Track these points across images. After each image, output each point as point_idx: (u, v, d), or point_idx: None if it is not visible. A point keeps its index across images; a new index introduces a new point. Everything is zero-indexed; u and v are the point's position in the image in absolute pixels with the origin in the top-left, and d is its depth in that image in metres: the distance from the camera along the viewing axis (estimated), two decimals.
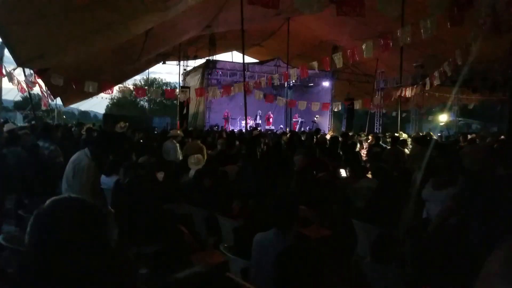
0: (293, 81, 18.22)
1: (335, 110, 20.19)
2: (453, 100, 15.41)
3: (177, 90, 19.23)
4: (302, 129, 18.54)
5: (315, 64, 12.23)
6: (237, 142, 8.22)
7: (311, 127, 17.09)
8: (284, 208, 2.47)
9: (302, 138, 9.51)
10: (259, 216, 2.91)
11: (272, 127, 18.63)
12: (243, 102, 9.32)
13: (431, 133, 11.83)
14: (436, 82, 10.27)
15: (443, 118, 18.37)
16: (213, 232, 3.84)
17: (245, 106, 8.63)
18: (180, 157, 6.82)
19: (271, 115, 19.43)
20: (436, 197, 3.06)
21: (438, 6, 5.71)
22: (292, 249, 2.13)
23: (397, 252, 3.04)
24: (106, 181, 4.52)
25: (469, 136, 9.19)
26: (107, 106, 39.61)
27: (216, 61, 18.39)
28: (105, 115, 24.64)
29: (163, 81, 40.42)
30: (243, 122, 13.05)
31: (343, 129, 20.02)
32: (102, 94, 16.97)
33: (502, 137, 8.06)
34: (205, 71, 17.71)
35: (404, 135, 9.29)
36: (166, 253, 2.68)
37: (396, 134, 9.19)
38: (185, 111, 17.59)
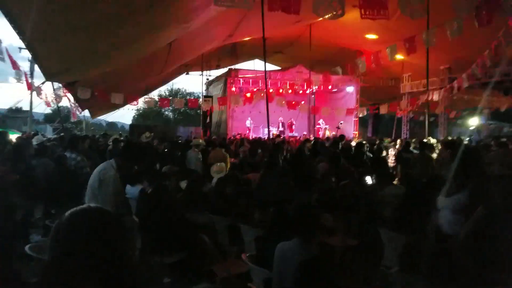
0: (316, 87, 18.08)
1: (360, 115, 19.82)
2: (483, 103, 14.82)
3: (200, 99, 19.52)
4: (327, 135, 18.32)
5: (339, 69, 12.11)
6: (260, 150, 8.21)
7: (335, 134, 16.84)
8: (305, 216, 2.41)
9: (326, 145, 9.37)
10: (281, 225, 2.86)
11: (296, 134, 18.51)
12: (266, 109, 9.31)
13: (461, 138, 11.42)
14: (465, 85, 9.90)
15: (473, 121, 17.71)
16: (235, 241, 3.81)
17: (267, 113, 8.61)
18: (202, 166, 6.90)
19: (293, 122, 19.32)
20: (446, 204, 2.92)
21: (464, 7, 5.53)
22: (314, 260, 2.08)
23: (425, 262, 2.92)
24: (131, 190, 4.59)
25: (502, 140, 8.76)
26: (133, 117, 40.69)
27: (238, 70, 18.55)
28: (131, 125, 25.31)
29: (187, 91, 41.12)
30: (266, 129, 13.06)
31: (369, 134, 19.63)
32: (128, 106, 17.43)
33: None
34: (227, 80, 17.90)
35: (433, 140, 8.98)
36: (188, 262, 2.67)
37: (424, 140, 8.90)
38: (208, 120, 17.79)
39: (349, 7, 6.40)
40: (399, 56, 9.14)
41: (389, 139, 12.30)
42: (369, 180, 6.16)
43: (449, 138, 11.62)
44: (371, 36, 13.57)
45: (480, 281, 2.14)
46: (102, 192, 3.21)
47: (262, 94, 13.65)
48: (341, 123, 18.49)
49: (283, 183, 4.83)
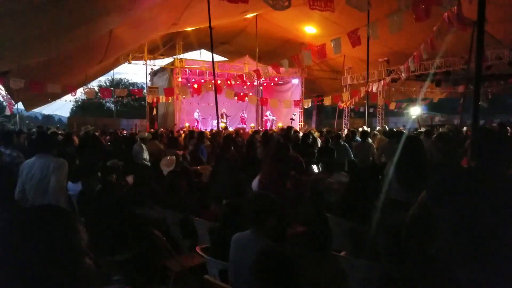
0: (264, 78, 18.25)
1: (306, 107, 20.40)
2: (418, 94, 15.95)
3: (145, 90, 18.81)
4: (274, 127, 18.64)
5: (286, 62, 12.30)
6: (208, 142, 8.12)
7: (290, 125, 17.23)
8: (258, 206, 2.43)
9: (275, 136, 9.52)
10: (235, 217, 2.86)
11: (244, 126, 18.61)
12: (214, 101, 9.21)
13: (401, 128, 12.21)
14: (402, 77, 10.59)
15: (409, 112, 18.96)
16: (189, 235, 3.75)
17: (216, 105, 8.53)
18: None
19: (244, 114, 19.40)
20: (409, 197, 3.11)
21: (404, 2, 5.86)
22: (270, 249, 2.11)
23: (371, 245, 3.09)
24: (73, 187, 4.31)
25: (440, 129, 9.43)
26: (72, 109, 38.14)
27: (184, 60, 18.12)
28: (69, 118, 23.74)
29: (130, 81, 39.29)
30: (215, 121, 12.96)
31: (313, 125, 20.28)
32: (66, 97, 16.31)
33: (465, 128, 8.40)
34: (173, 71, 17.40)
35: (368, 129, 9.49)
36: (140, 259, 2.58)
37: (362, 128, 9.39)
38: (154, 112, 17.22)
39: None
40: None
41: (313, 129, 12.89)
42: (315, 168, 6.41)
43: (387, 127, 12.38)
44: (314, 30, 13.94)
45: (423, 263, 2.30)
46: (53, 178, 3.09)
47: (210, 86, 13.44)
48: (294, 115, 18.94)
49: (236, 175, 4.83)
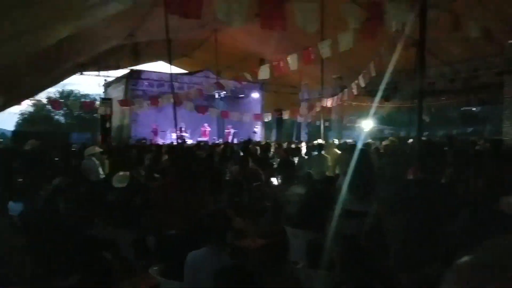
0: (225, 92, 18.28)
1: (266, 120, 20.72)
2: (368, 109, 16.73)
3: (97, 102, 18.09)
4: (235, 140, 18.69)
5: (247, 75, 12.42)
6: (167, 156, 7.94)
7: (252, 138, 17.32)
8: (215, 223, 2.40)
9: (236, 150, 9.56)
10: (192, 234, 2.80)
11: (206, 139, 18.45)
12: (173, 114, 9.05)
13: (354, 141, 12.66)
14: (353, 93, 11.08)
15: (362, 125, 19.78)
16: (142, 255, 3.61)
17: (175, 118, 8.38)
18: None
19: (207, 127, 19.24)
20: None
21: (354, 20, 6.17)
22: (228, 268, 2.08)
23: (328, 256, 3.15)
24: (15, 207, 4.01)
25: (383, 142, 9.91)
26: (17, 122, 35.72)
27: (141, 71, 17.70)
28: (14, 132, 22.20)
29: (81, 92, 37.48)
30: (173, 135, 12.73)
31: (273, 138, 20.56)
32: (10, 109, 15.29)
33: (411, 140, 8.90)
34: (129, 82, 16.93)
35: (322, 141, 9.79)
36: (88, 284, 2.43)
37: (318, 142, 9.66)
38: (108, 125, 16.57)
39: (252, 16, 6.61)
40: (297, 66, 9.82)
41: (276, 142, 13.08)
42: (275, 181, 6.47)
43: (338, 140, 12.87)
44: (273, 45, 14.24)
45: (377, 274, 2.37)
46: None
47: (169, 98, 13.21)
48: (256, 128, 19.09)
49: (192, 190, 4.75)
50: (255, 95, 20.17)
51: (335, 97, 12.84)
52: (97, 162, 6.70)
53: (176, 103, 9.18)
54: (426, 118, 6.43)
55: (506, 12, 10.71)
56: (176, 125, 8.57)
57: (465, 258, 0.58)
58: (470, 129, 25.59)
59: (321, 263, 3.16)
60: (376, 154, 7.58)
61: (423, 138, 5.99)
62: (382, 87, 7.47)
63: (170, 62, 9.41)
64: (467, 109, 25.06)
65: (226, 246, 2.49)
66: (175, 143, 11.72)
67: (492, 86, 15.06)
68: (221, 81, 15.00)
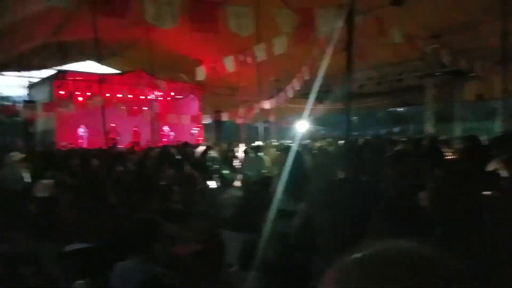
0: (160, 93, 17.76)
1: (205, 122, 20.50)
2: (304, 111, 17.36)
3: (19, 105, 16.58)
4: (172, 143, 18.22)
5: (183, 76, 12.18)
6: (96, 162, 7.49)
7: (189, 140, 16.97)
8: (143, 231, 2.30)
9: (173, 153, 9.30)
10: (118, 244, 2.66)
11: (139, 142, 17.72)
12: (103, 116, 8.57)
13: (289, 141, 13.04)
14: (289, 95, 11.44)
15: (301, 126, 20.49)
16: (68, 269, 3.35)
17: (104, 121, 7.95)
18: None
19: (138, 130, 18.48)
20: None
21: (287, 25, 6.35)
22: (155, 278, 2.00)
23: (261, 257, 3.18)
24: None
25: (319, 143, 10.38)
26: None
27: (67, 72, 16.54)
28: None
29: (0, 95, 34.02)
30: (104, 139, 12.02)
31: (213, 140, 20.45)
32: None
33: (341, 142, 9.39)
34: (55, 83, 15.74)
35: (259, 143, 9.98)
36: None
37: (256, 143, 9.81)
38: (31, 129, 15.24)
39: (183, 18, 6.48)
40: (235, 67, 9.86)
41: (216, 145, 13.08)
42: (213, 184, 6.42)
43: (277, 141, 13.20)
44: (210, 46, 14.15)
45: (306, 271, 2.44)
46: None
47: (100, 101, 12.49)
48: (194, 130, 18.75)
49: (127, 196, 4.53)
50: (193, 96, 19.90)
51: (273, 99, 13.13)
52: (18, 169, 6.14)
53: (106, 105, 8.71)
54: (354, 119, 6.82)
55: (427, 20, 11.81)
56: (105, 129, 8.15)
57: (348, 258, 0.60)
58: (396, 129, 27.69)
59: (254, 265, 3.19)
60: (311, 154, 7.87)
61: (352, 139, 6.34)
62: (315, 89, 7.78)
63: (100, 62, 8.93)
64: (394, 110, 27.14)
65: (157, 254, 2.39)
66: (104, 147, 11.12)
67: (415, 88, 16.49)
68: (156, 81, 14.56)
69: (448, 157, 6.99)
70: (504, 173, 3.33)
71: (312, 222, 2.73)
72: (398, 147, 6.55)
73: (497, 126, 11.81)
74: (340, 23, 5.33)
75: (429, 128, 15.51)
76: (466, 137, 8.93)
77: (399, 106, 23.79)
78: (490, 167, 3.50)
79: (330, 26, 5.84)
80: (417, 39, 8.71)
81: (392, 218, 1.80)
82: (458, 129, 17.14)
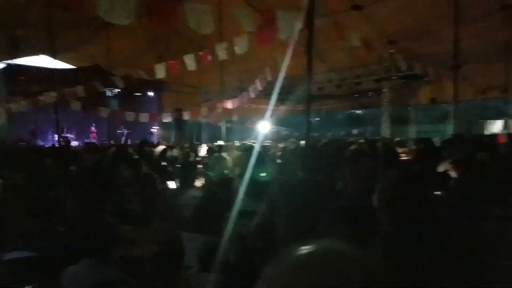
0: (118, 90, 17.18)
1: (165, 121, 20.04)
2: (267, 111, 17.52)
3: None
4: (129, 141, 17.67)
5: (142, 72, 11.81)
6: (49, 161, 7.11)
7: (148, 139, 16.52)
8: (96, 235, 2.20)
9: (130, 152, 9.01)
10: (66, 248, 2.52)
11: (95, 141, 17.05)
12: (56, 114, 8.14)
13: (252, 141, 13.08)
14: (251, 96, 11.45)
15: (263, 126, 20.64)
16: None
17: (57, 118, 7.55)
18: None
19: (94, 128, 17.77)
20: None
21: (249, 24, 6.34)
22: (107, 283, 1.91)
23: (220, 258, 3.15)
24: None
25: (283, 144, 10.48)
26: None
27: (19, 66, 15.57)
28: None
29: None
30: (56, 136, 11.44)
31: (174, 140, 20.08)
32: None
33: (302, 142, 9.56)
34: (4, 78, 14.76)
35: (221, 143, 9.96)
36: None
37: (218, 143, 9.75)
38: None
39: (135, 14, 6.26)
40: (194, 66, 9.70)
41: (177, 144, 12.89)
42: (172, 184, 6.28)
43: (240, 141, 13.19)
44: (172, 43, 13.87)
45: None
46: None
47: (53, 97, 11.83)
48: (153, 129, 18.26)
49: (78, 198, 4.32)
50: (153, 94, 19.43)
51: (235, 99, 13.10)
52: None
53: (59, 102, 8.28)
54: (314, 120, 6.95)
55: (384, 26, 12.30)
56: (58, 126, 7.75)
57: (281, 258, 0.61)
58: (355, 131, 28.61)
59: (213, 266, 3.16)
60: (273, 155, 7.94)
61: (312, 140, 6.44)
62: (277, 90, 7.85)
63: (54, 56, 8.48)
64: (353, 112, 28.03)
65: (110, 257, 2.29)
66: (57, 145, 10.58)
67: (373, 91, 17.15)
68: (113, 78, 14.04)
69: (402, 158, 7.32)
70: (453, 174, 3.52)
71: (271, 223, 2.74)
72: (353, 148, 6.75)
73: (449, 129, 12.52)
74: (299, 26, 5.39)
75: (385, 130, 16.18)
76: (420, 139, 9.43)
77: (358, 109, 24.60)
78: (441, 168, 3.67)
79: (291, 27, 5.90)
80: (374, 43, 9.04)
81: (343, 218, 1.84)
82: (412, 131, 18.05)
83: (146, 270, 4.00)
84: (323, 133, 24.58)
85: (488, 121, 18.64)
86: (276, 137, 18.57)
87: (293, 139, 11.86)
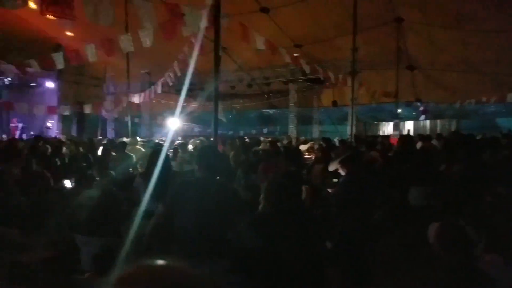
0: (8, 79, 15.27)
1: (64, 114, 18.30)
2: (177, 107, 17.17)
3: None
4: (24, 136, 15.78)
5: (33, 62, 10.56)
6: None
7: (44, 134, 14.84)
8: None
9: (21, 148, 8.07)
10: None
11: None
12: None
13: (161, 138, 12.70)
14: (158, 91, 11.09)
15: (173, 123, 20.16)
16: None
17: None
18: None
19: None
20: None
21: (154, 18, 6.12)
22: None
23: (120, 262, 3.03)
24: None
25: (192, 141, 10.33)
26: None
27: None
28: None
29: None
30: None
31: (74, 134, 18.51)
32: None
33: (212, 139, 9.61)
34: None
35: (127, 140, 9.49)
36: None
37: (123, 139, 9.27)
38: None
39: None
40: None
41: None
42: (68, 184, 5.79)
43: (148, 138, 12.72)
44: (70, 32, 12.74)
45: None
46: None
47: None
48: (50, 122, 16.57)
49: None
50: (50, 84, 17.59)
51: (143, 93, 12.55)
52: None
53: None
54: (223, 118, 7.03)
55: (290, 31, 12.95)
56: None
57: None
58: (265, 130, 29.63)
59: (111, 269, 3.02)
60: (182, 152, 7.81)
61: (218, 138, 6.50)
62: (186, 86, 7.76)
63: None
64: (264, 111, 28.99)
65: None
66: None
67: (281, 92, 17.95)
68: (3, 65, 12.39)
69: (303, 156, 7.85)
70: (341, 172, 3.90)
71: (169, 222, 2.72)
72: (257, 147, 7.02)
73: (347, 130, 13.73)
74: (205, 23, 5.39)
75: (292, 129, 17.10)
76: (322, 139, 10.17)
77: (268, 108, 25.51)
78: (331, 167, 4.01)
79: (196, 24, 5.86)
80: (281, 46, 9.44)
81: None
82: (316, 131, 19.36)
83: (35, 276, 3.66)
84: (235, 131, 24.96)
85: (382, 123, 20.79)
86: (187, 135, 18.31)
87: (202, 137, 11.83)
